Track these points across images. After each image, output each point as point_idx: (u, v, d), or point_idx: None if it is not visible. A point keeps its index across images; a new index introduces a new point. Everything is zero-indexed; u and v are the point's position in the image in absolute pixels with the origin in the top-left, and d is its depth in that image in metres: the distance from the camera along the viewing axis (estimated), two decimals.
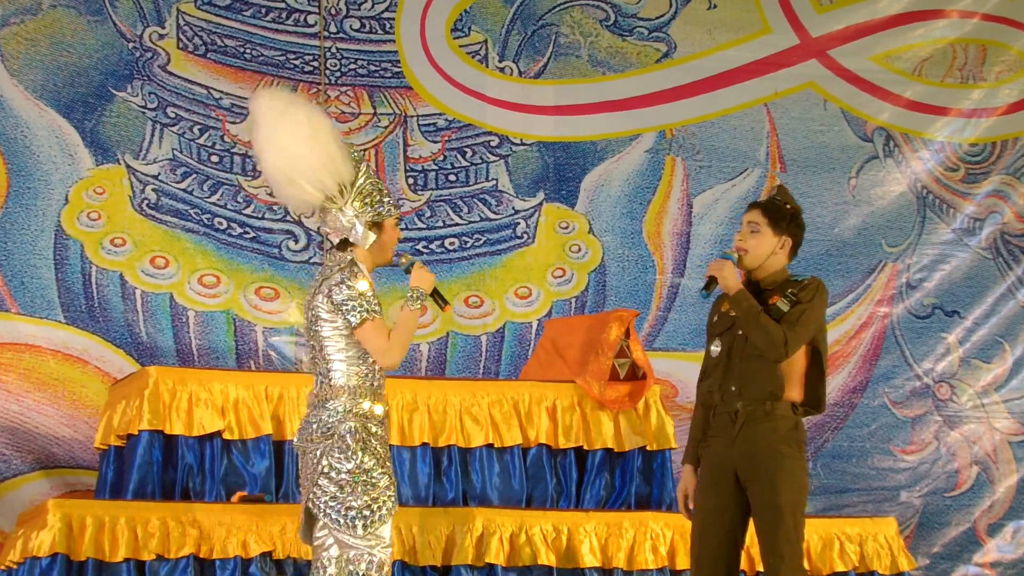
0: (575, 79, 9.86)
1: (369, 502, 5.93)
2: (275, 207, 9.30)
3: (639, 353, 8.37)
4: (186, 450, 7.62)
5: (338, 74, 9.50)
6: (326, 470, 5.95)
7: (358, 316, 5.98)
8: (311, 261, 9.30)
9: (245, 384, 7.76)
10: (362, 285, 6.01)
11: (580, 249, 9.74)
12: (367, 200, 6.10)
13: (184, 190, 9.18)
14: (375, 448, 5.99)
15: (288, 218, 9.31)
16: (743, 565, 7.29)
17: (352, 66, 9.53)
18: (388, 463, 6.04)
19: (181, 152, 9.20)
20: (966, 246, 10.23)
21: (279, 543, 7.37)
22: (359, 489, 5.93)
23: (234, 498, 7.56)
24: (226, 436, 7.65)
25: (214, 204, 9.21)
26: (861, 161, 10.18)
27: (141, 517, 7.23)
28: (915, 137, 10.26)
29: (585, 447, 8.13)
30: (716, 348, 6.44)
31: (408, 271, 6.20)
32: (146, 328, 8.96)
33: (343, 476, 5.94)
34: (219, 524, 7.31)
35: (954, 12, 10.36)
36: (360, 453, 5.95)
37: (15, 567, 7.28)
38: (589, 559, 7.78)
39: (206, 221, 9.19)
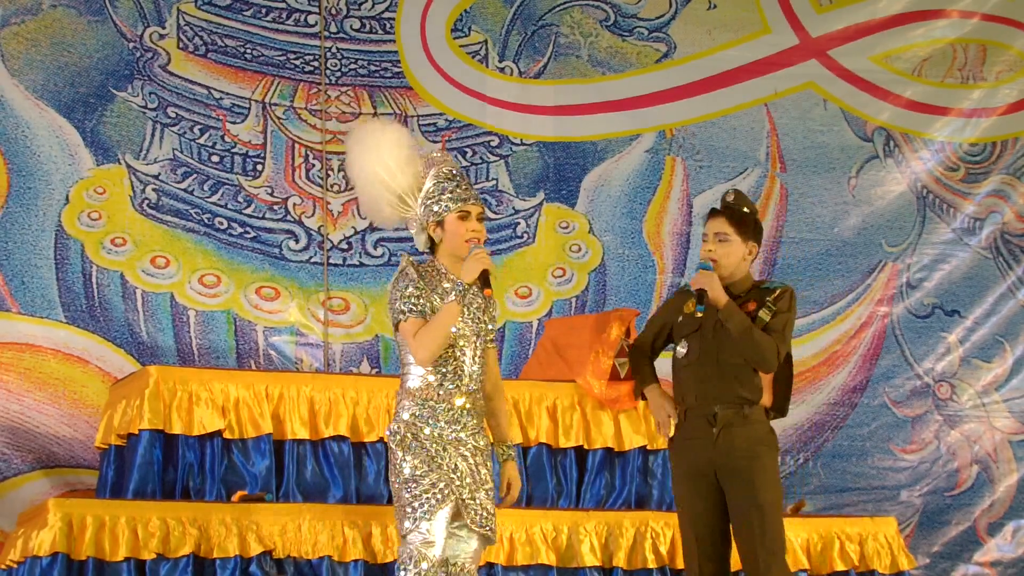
0: (575, 79, 9.87)
1: (411, 499, 5.97)
2: (275, 207, 9.31)
3: None
4: (186, 449, 7.62)
5: (338, 74, 9.50)
6: (391, 471, 6.09)
7: (393, 319, 6.07)
8: (311, 261, 9.31)
9: (245, 384, 7.76)
10: (403, 288, 6.05)
11: (580, 249, 9.74)
12: (428, 203, 6.16)
13: (184, 190, 9.18)
14: (422, 446, 6.01)
15: (288, 218, 9.32)
16: None
17: (352, 66, 9.54)
18: (441, 460, 5.99)
19: (181, 152, 9.21)
20: (966, 246, 10.24)
21: (279, 543, 7.36)
22: (403, 488, 5.99)
23: (234, 498, 7.55)
24: (226, 436, 7.64)
25: (214, 204, 9.22)
26: (861, 161, 10.18)
27: (141, 516, 7.22)
28: (915, 137, 10.26)
29: (585, 446, 8.13)
30: (682, 350, 6.47)
31: None
32: (146, 328, 8.96)
33: (395, 477, 6.05)
34: (219, 524, 7.31)
35: (954, 12, 10.36)
36: (401, 453, 6.02)
37: (15, 566, 7.28)
38: (589, 558, 7.78)
39: (206, 221, 9.19)
